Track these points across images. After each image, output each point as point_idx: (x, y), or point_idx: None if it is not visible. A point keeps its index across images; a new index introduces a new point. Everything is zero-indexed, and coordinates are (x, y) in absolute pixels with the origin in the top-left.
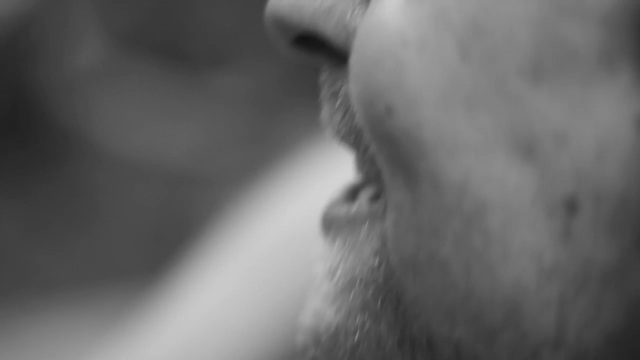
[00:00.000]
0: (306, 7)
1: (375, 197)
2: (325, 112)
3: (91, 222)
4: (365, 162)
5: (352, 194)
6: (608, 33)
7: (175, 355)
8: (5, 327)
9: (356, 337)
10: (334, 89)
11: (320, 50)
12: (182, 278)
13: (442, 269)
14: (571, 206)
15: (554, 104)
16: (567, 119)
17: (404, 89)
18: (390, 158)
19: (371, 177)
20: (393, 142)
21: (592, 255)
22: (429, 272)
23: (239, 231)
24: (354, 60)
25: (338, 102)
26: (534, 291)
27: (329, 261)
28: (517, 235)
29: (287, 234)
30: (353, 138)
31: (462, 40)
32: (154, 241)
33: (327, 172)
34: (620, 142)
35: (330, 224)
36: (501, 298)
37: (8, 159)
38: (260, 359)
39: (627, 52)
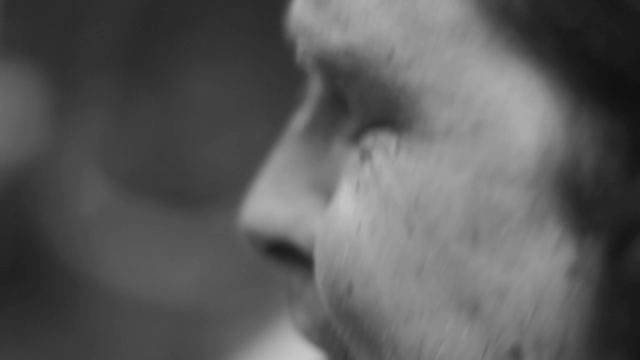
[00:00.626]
0: (277, 218)
1: None
2: (292, 311)
3: None
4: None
5: None
6: (535, 195)
7: None
8: None
9: None
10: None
11: (293, 257)
12: None
13: None
14: (516, 355)
15: (492, 263)
16: (505, 276)
17: (361, 268)
18: (353, 334)
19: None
20: (356, 319)
21: None
22: None
23: None
24: (316, 251)
25: (303, 304)
26: None
27: None
28: None
29: None
30: (317, 334)
31: (407, 217)
32: None
33: None
34: (556, 292)
35: None
36: None
37: (15, 306)
38: None
39: (554, 209)
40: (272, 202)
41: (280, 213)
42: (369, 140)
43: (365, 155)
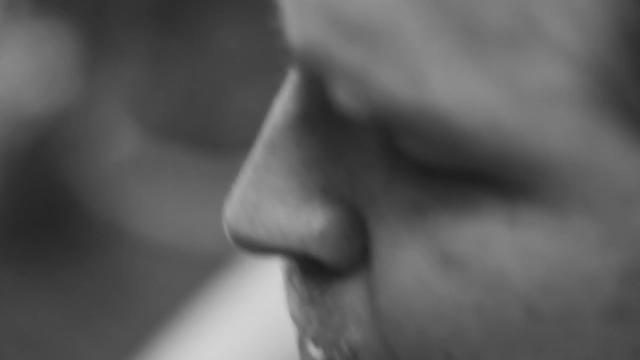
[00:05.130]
0: (290, 234)
1: None
2: (301, 311)
3: (130, 310)
4: None
5: None
6: None
7: None
8: None
9: None
10: (332, 305)
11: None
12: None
13: None
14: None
15: (636, 329)
16: None
17: (465, 343)
18: None
19: None
20: None
21: None
22: None
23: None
24: (393, 315)
25: (341, 319)
26: None
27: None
28: None
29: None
30: (334, 351)
31: (529, 301)
32: None
33: None
34: None
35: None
36: None
37: (49, 253)
38: None
39: None
40: (278, 212)
41: (292, 228)
42: (451, 193)
43: (448, 217)
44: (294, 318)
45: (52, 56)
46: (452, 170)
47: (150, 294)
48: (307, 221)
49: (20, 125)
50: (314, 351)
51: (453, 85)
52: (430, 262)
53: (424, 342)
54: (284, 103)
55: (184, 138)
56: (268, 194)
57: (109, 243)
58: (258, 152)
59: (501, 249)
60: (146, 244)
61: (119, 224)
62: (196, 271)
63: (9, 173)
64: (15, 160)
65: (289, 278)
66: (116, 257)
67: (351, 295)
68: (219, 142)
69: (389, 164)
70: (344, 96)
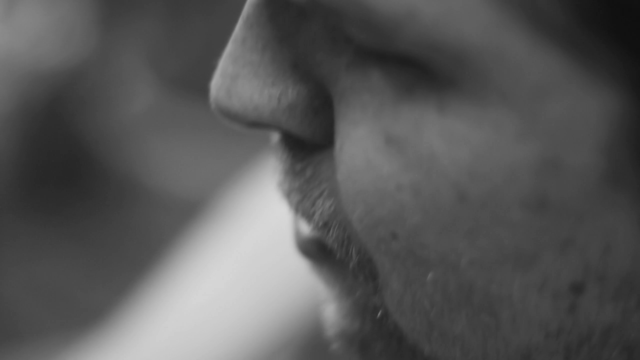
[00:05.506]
0: (262, 107)
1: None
2: (285, 187)
3: (147, 261)
4: (339, 243)
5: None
6: (608, 155)
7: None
8: None
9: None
10: (310, 176)
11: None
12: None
13: (459, 341)
14: (577, 289)
15: (559, 223)
16: (571, 232)
17: (405, 223)
18: (393, 266)
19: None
20: (398, 257)
21: (595, 320)
22: (443, 342)
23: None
24: (346, 190)
25: (318, 193)
26: (543, 346)
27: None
28: (525, 316)
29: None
30: (331, 230)
31: (458, 184)
32: None
33: None
34: (626, 239)
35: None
36: (515, 351)
37: (66, 205)
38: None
39: (628, 168)
40: (252, 85)
41: (264, 101)
42: (390, 81)
43: (390, 100)
44: (280, 188)
45: (69, 10)
46: (390, 55)
47: (166, 245)
48: (278, 95)
49: (38, 80)
50: (303, 228)
51: None
52: (375, 142)
53: (373, 220)
54: None
55: (200, 91)
56: (244, 67)
57: (126, 195)
58: (238, 27)
59: (432, 132)
60: (162, 196)
61: (136, 176)
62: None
63: (27, 127)
64: (32, 114)
65: (275, 150)
66: (133, 209)
67: (326, 169)
68: None
69: (341, 47)
70: None
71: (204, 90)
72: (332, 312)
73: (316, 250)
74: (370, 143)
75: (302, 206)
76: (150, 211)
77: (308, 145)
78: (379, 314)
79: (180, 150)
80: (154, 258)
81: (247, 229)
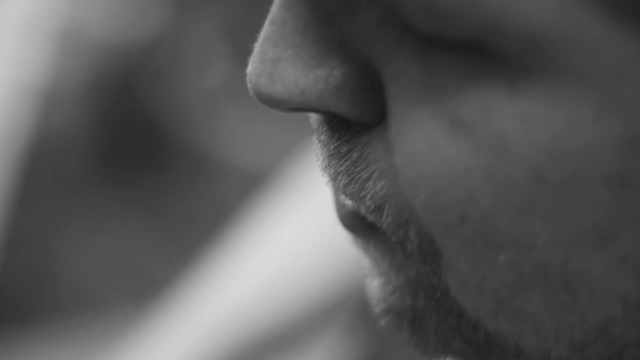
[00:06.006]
0: (308, 90)
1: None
2: (331, 171)
3: (218, 233)
4: (389, 225)
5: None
6: None
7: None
8: (141, 337)
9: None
10: (357, 158)
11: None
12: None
13: (530, 319)
14: None
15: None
16: None
17: (476, 206)
18: (460, 248)
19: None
20: (467, 240)
21: None
22: (512, 320)
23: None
24: (407, 173)
25: (367, 175)
26: (621, 318)
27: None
28: (604, 290)
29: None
30: (384, 212)
31: (534, 167)
32: None
33: None
34: None
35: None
36: (591, 326)
37: (140, 178)
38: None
39: None
40: (296, 68)
41: (310, 84)
42: (452, 64)
43: (453, 83)
44: (325, 171)
45: None
46: (453, 40)
47: (236, 217)
48: (324, 76)
49: (112, 54)
50: (347, 202)
51: None
52: (440, 126)
53: (439, 203)
54: None
55: None
56: (285, 50)
57: (198, 168)
58: (275, 9)
59: (503, 115)
60: (234, 170)
61: (210, 149)
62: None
63: (102, 101)
64: (107, 88)
65: (317, 133)
66: (205, 182)
67: (374, 150)
68: None
69: (397, 30)
70: None
71: None
72: (378, 288)
73: (362, 227)
74: (433, 126)
75: (350, 189)
76: (222, 184)
77: (354, 127)
78: (437, 293)
79: (253, 124)
80: (224, 230)
81: (311, 200)
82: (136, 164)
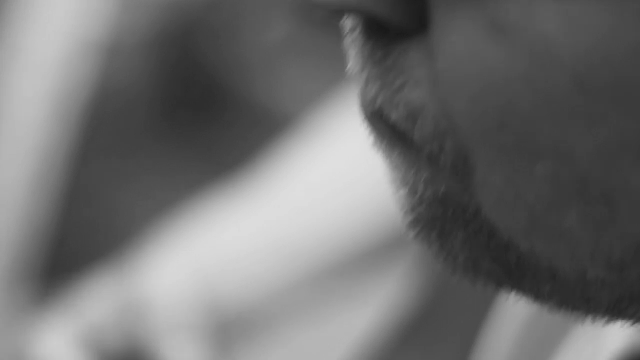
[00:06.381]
0: None
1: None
2: (364, 76)
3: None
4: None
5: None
6: None
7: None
8: None
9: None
10: (392, 64)
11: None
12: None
13: (565, 237)
14: None
15: None
16: None
17: (516, 113)
18: (497, 158)
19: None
20: (504, 149)
21: None
22: (546, 239)
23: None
24: (448, 80)
25: (401, 82)
26: None
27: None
28: None
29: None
30: (418, 122)
31: (577, 73)
32: None
33: None
34: None
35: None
36: (630, 243)
37: (203, 134)
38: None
39: None
40: None
41: None
42: None
43: None
44: (355, 77)
45: None
46: None
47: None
48: None
49: (174, 8)
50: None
51: None
52: (481, 30)
53: (479, 110)
54: None
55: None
56: None
57: (261, 124)
58: None
59: (546, 18)
60: (294, 126)
61: (271, 105)
62: None
63: (164, 55)
64: (170, 42)
65: (353, 36)
66: (265, 137)
67: (412, 57)
68: None
69: None
70: None
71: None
72: (404, 198)
73: (389, 132)
74: (473, 31)
75: (382, 95)
76: (283, 140)
77: (391, 33)
78: (466, 212)
79: (313, 80)
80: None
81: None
82: (197, 119)
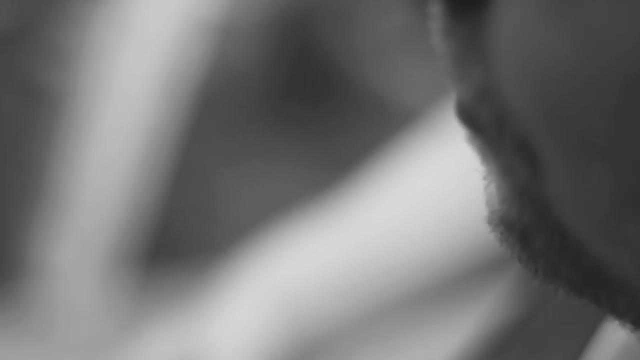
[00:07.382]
0: None
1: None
2: (441, 49)
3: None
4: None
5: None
6: None
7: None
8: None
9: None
10: (465, 38)
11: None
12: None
13: (630, 246)
14: None
15: None
16: None
17: (570, 102)
18: (555, 149)
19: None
20: (560, 139)
21: None
22: (610, 245)
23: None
24: (503, 62)
25: (473, 59)
26: None
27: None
28: None
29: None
30: (483, 103)
31: (623, 66)
32: None
33: None
34: None
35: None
36: None
37: (314, 121)
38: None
39: None
40: None
41: None
42: None
43: None
44: (436, 50)
45: None
46: None
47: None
48: None
49: None
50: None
51: None
52: (536, 11)
53: (534, 95)
54: None
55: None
56: None
57: (374, 113)
58: None
59: (597, 5)
60: (405, 115)
61: (385, 94)
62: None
63: (279, 39)
64: (285, 26)
65: (436, 12)
66: (380, 128)
67: (481, 34)
68: None
69: None
70: None
71: None
72: (492, 194)
73: (467, 120)
74: (529, 12)
75: (455, 71)
76: (396, 130)
77: (470, 6)
78: (540, 206)
79: (429, 70)
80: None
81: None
82: (308, 105)
